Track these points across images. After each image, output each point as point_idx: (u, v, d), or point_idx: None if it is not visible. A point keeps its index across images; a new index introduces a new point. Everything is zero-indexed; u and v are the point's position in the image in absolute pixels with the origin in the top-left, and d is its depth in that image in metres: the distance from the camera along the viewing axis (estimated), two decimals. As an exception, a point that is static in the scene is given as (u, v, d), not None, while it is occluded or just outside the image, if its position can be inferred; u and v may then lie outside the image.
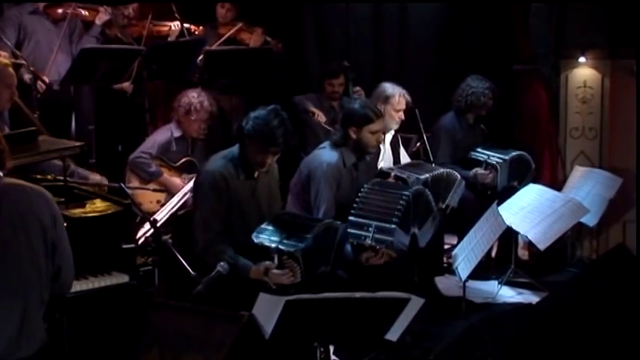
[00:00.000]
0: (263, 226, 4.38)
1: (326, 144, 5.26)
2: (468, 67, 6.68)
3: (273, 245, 4.26)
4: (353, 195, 4.99)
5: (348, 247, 4.67)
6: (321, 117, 6.77)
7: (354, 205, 4.82)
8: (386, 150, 6.09)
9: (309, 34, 8.08)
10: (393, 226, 4.71)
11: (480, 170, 6.36)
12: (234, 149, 4.45)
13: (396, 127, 6.13)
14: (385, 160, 6.05)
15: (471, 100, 6.45)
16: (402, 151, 6.28)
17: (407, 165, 6.00)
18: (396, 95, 6.05)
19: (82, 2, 6.64)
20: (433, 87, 7.48)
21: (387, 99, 6.05)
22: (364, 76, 7.27)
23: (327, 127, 6.64)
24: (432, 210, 5.09)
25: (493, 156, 6.42)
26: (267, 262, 4.25)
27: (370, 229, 4.69)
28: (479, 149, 6.50)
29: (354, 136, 5.09)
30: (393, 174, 5.67)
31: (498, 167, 6.34)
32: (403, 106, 6.05)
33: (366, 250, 4.71)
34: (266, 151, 4.35)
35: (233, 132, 4.48)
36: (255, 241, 4.32)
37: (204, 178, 4.44)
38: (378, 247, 4.67)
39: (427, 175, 5.58)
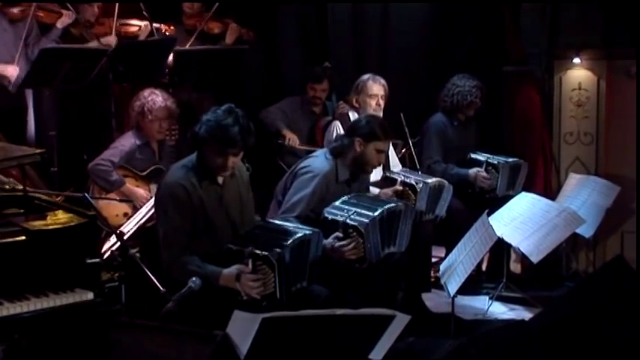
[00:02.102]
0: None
1: (323, 150, 5.24)
2: (456, 69, 6.69)
3: (247, 249, 4.21)
4: None
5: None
6: (294, 140, 6.77)
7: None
8: None
9: (286, 34, 8.09)
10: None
11: (481, 171, 6.34)
12: (194, 156, 4.42)
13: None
14: None
15: (457, 100, 6.46)
16: (392, 152, 6.27)
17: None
18: (366, 80, 6.09)
19: (42, 1, 6.59)
20: (420, 90, 7.48)
21: (357, 87, 6.15)
22: (345, 82, 7.27)
23: (302, 147, 6.67)
24: (398, 224, 5.05)
25: (495, 157, 6.42)
26: (240, 266, 4.19)
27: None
28: (472, 154, 6.50)
29: (358, 148, 5.12)
30: (399, 179, 5.70)
31: (500, 168, 6.33)
32: (377, 92, 6.10)
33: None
34: (225, 153, 4.30)
35: (188, 139, 4.44)
36: (228, 246, 4.28)
37: (163, 191, 4.41)
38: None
39: (433, 180, 5.70)
